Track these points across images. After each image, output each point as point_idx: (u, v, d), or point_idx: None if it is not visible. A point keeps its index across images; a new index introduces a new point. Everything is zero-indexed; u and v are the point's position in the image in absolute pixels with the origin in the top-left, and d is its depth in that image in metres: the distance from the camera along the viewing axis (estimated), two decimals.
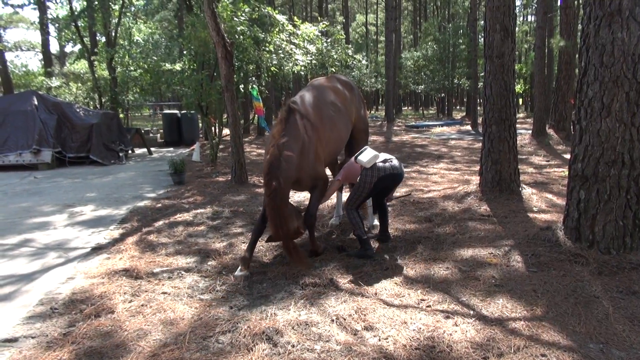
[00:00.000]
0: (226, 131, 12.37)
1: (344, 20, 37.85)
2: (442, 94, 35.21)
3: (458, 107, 47.14)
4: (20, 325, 3.38)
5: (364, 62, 28.81)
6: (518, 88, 30.38)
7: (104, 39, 19.96)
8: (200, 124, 16.91)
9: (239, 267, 4.23)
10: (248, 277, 4.11)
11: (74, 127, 12.34)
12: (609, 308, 3.28)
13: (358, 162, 4.56)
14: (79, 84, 20.52)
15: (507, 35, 6.16)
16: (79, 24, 17.81)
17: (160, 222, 6.13)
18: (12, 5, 19.10)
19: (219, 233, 5.61)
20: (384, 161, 4.59)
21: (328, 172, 5.39)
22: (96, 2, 16.10)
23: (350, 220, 4.63)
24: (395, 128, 23.19)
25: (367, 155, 4.54)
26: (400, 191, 7.06)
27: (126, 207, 7.23)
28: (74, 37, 19.52)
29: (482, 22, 8.48)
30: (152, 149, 15.90)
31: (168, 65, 10.96)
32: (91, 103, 18.71)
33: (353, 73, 30.42)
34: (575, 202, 4.29)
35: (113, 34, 18.36)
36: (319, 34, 12.32)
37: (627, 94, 3.91)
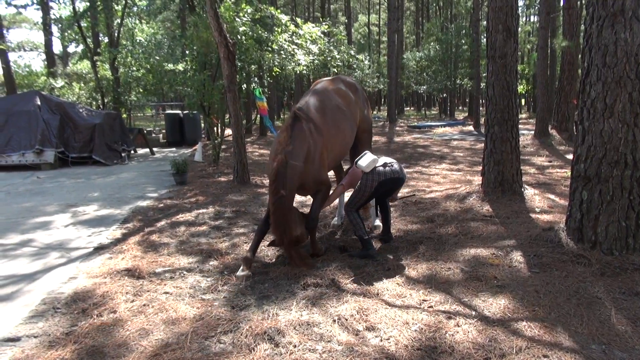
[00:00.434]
0: (228, 131, 12.36)
1: (346, 21, 37.86)
2: (445, 95, 35.16)
3: (460, 108, 47.08)
4: (22, 324, 3.39)
5: (366, 62, 28.82)
6: (520, 88, 30.32)
7: (106, 40, 20.01)
8: (203, 124, 16.94)
9: (241, 267, 4.23)
10: (250, 277, 4.11)
11: (77, 127, 12.37)
12: (611, 309, 3.27)
13: (357, 167, 4.58)
14: (82, 84, 20.56)
15: (510, 35, 6.15)
16: (82, 25, 17.85)
17: (163, 222, 6.14)
18: (15, 6, 19.14)
19: (221, 233, 5.62)
20: (384, 165, 4.61)
21: (331, 175, 5.40)
22: (99, 3, 16.12)
23: (351, 221, 4.64)
24: (397, 128, 23.18)
25: (365, 160, 4.57)
26: (403, 191, 7.06)
27: (128, 207, 7.24)
28: (76, 37, 19.57)
29: (485, 22, 8.47)
30: (155, 149, 15.94)
31: (170, 66, 10.98)
32: (94, 103, 18.74)
33: (355, 73, 30.40)
34: (578, 202, 4.28)
35: (116, 34, 18.41)
36: (321, 34, 12.31)
37: (630, 94, 3.90)
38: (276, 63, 11.51)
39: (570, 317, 3.19)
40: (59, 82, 20.91)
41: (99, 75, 18.20)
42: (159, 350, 2.93)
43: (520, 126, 7.29)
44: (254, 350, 2.88)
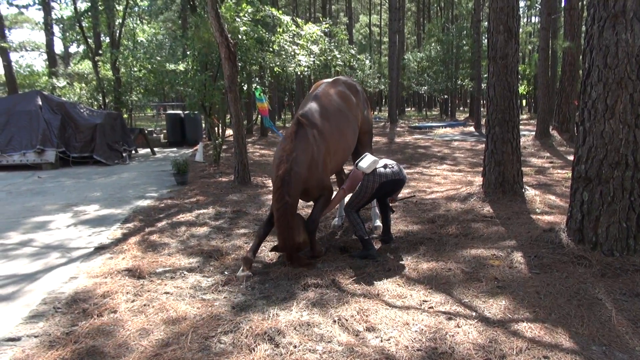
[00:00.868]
0: (229, 132, 12.38)
1: (347, 21, 37.83)
2: (446, 95, 35.13)
3: (461, 109, 47.04)
4: (23, 324, 3.39)
5: (367, 62, 28.82)
6: (522, 89, 30.31)
7: (108, 40, 20.03)
8: (204, 125, 16.95)
9: (241, 268, 4.24)
10: (250, 278, 4.12)
11: (78, 127, 12.38)
12: (612, 310, 3.27)
13: (358, 169, 4.59)
14: (83, 84, 20.59)
15: (511, 36, 6.15)
16: (83, 25, 17.88)
17: (163, 222, 6.14)
18: (17, 6, 19.17)
19: (222, 233, 5.62)
20: (385, 167, 4.62)
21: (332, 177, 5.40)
22: (100, 3, 16.14)
23: (351, 221, 4.65)
24: (398, 129, 23.16)
25: (366, 162, 4.58)
26: (404, 192, 7.06)
27: (129, 207, 7.25)
28: (78, 37, 19.59)
29: (486, 23, 8.47)
30: (156, 149, 15.95)
31: (172, 66, 10.98)
32: (95, 103, 18.76)
33: (357, 74, 30.41)
34: (579, 203, 4.28)
35: (117, 34, 18.42)
36: (322, 34, 12.31)
37: (631, 95, 3.90)
38: (277, 63, 11.50)
39: (570, 318, 3.19)
40: (61, 82, 20.93)
41: (100, 76, 18.22)
42: (159, 350, 2.93)
43: (521, 127, 7.29)
44: (254, 351, 2.88)
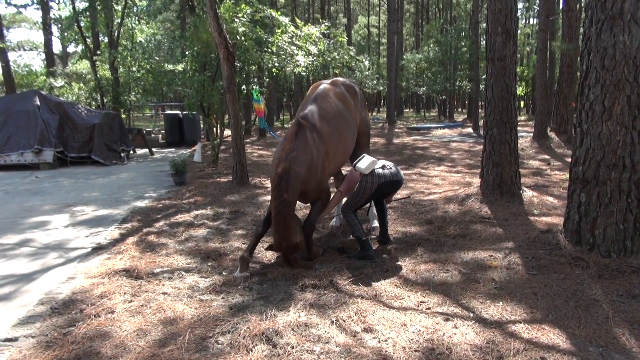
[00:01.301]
0: (227, 132, 12.37)
1: (346, 22, 37.88)
2: (444, 96, 35.19)
3: (459, 110, 47.10)
4: (20, 324, 3.38)
5: (366, 63, 28.82)
6: (519, 91, 30.32)
7: (106, 40, 20.00)
8: (202, 125, 16.92)
9: (239, 268, 4.24)
10: (248, 278, 4.11)
11: (76, 127, 12.36)
12: (609, 311, 3.28)
13: (357, 170, 4.59)
14: (81, 84, 20.55)
15: (509, 37, 6.16)
16: (82, 25, 17.85)
17: (161, 223, 6.13)
18: (15, 5, 19.17)
19: (220, 234, 5.61)
20: (383, 167, 4.63)
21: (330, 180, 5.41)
22: (98, 2, 16.11)
23: (348, 222, 4.65)
24: (396, 130, 23.19)
25: (365, 162, 4.58)
26: (401, 193, 7.07)
27: (127, 208, 7.24)
28: (76, 37, 19.56)
29: (484, 24, 8.49)
30: (154, 149, 15.93)
31: (170, 66, 10.97)
32: (93, 103, 18.73)
33: (355, 75, 30.44)
34: (576, 205, 4.29)
35: (116, 34, 18.40)
36: (321, 35, 12.32)
37: (628, 97, 3.91)
38: (276, 64, 11.51)
39: (567, 320, 3.20)
40: (59, 82, 20.89)
41: (98, 75, 18.19)
42: (157, 351, 2.92)
43: (519, 128, 7.30)
44: (251, 351, 2.88)
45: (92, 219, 6.64)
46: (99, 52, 18.48)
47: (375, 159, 4.72)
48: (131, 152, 14.48)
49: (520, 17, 42.79)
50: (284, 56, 11.49)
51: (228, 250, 4.99)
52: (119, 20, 18.24)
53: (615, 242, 4.05)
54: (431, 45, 32.20)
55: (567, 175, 4.84)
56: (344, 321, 3.24)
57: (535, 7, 40.56)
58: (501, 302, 3.48)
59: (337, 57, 13.26)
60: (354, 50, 15.56)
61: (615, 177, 4.01)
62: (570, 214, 4.38)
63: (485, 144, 6.50)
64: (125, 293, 3.84)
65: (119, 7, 17.96)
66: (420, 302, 3.57)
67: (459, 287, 3.81)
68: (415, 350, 2.86)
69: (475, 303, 3.50)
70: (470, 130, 22.44)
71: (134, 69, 12.23)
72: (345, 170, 5.84)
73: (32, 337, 3.18)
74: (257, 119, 12.69)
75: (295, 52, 11.53)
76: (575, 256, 4.12)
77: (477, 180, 7.18)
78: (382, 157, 5.69)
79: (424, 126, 24.95)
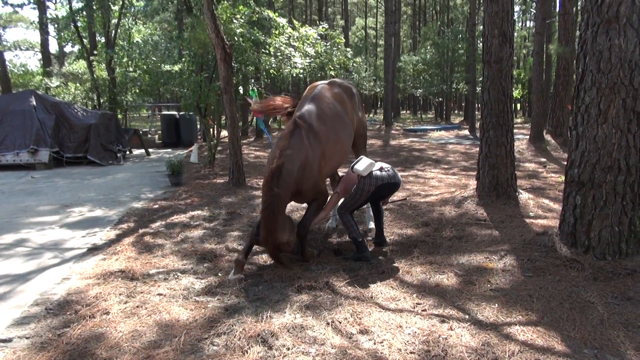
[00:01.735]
0: (224, 133, 12.36)
1: (343, 24, 37.91)
2: (441, 99, 35.31)
3: (456, 112, 47.24)
4: (14, 325, 3.36)
5: (363, 65, 28.85)
6: (516, 93, 30.47)
7: (103, 40, 19.97)
8: (199, 126, 16.90)
9: (233, 270, 4.23)
10: (243, 280, 4.11)
11: (72, 127, 12.33)
12: (604, 314, 3.29)
13: (355, 172, 4.58)
14: (78, 84, 20.50)
15: (506, 40, 6.18)
16: (79, 25, 17.82)
17: (157, 224, 6.12)
18: (11, 5, 19.14)
19: (216, 235, 5.60)
20: (381, 170, 4.63)
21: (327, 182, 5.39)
22: (95, 2, 16.08)
23: (344, 223, 4.64)
24: (393, 132, 23.22)
25: (363, 164, 4.58)
26: (398, 195, 7.07)
27: (123, 208, 7.21)
28: (73, 37, 19.51)
29: (481, 27, 8.51)
30: (150, 150, 15.90)
31: (167, 67, 10.95)
32: (90, 103, 18.70)
33: (352, 76, 30.48)
34: (572, 207, 4.30)
35: (112, 34, 18.37)
36: (318, 37, 12.32)
37: (623, 100, 3.93)
38: (273, 65, 11.51)
39: (563, 322, 3.20)
40: (55, 82, 20.83)
41: (95, 76, 18.15)
42: (152, 352, 2.91)
43: (515, 131, 7.32)
44: (247, 353, 2.88)
45: (88, 219, 6.62)
46: (95, 52, 18.43)
47: (373, 161, 4.72)
48: (127, 152, 14.45)
49: (516, 20, 43.00)
50: (281, 57, 11.48)
51: (224, 251, 4.98)
52: (116, 21, 18.22)
53: (610, 244, 4.07)
54: (428, 47, 32.32)
55: (563, 178, 4.86)
56: (340, 323, 3.24)
57: (531, 10, 40.71)
58: (497, 304, 3.49)
59: (334, 59, 13.26)
60: (351, 51, 15.56)
61: (610, 180, 4.03)
62: (566, 217, 4.39)
63: (482, 146, 6.52)
64: (120, 294, 3.83)
65: (116, 7, 17.94)
66: (416, 303, 3.57)
67: (455, 289, 3.82)
68: (411, 352, 2.87)
69: (470, 305, 3.51)
70: (466, 132, 22.50)
71: (131, 69, 12.20)
72: (341, 172, 5.84)
73: (27, 338, 3.16)
74: (254, 119, 12.68)
75: (293, 53, 11.53)
76: (571, 258, 4.13)
77: (473, 183, 7.20)
78: (379, 158, 5.69)
79: (420, 128, 25.00)
